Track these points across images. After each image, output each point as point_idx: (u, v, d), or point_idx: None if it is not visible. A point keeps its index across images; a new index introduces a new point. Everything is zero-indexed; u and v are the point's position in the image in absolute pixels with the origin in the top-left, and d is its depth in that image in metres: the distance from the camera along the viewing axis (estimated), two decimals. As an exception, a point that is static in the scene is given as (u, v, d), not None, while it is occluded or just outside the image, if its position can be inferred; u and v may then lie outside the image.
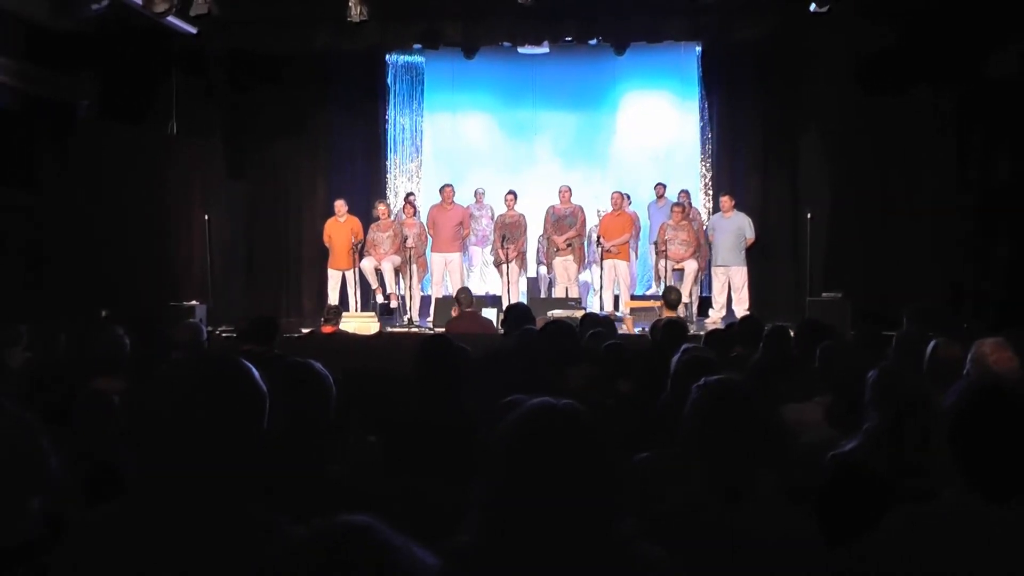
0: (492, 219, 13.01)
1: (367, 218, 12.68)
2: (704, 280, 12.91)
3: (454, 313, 9.72)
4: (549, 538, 1.78)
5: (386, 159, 14.34)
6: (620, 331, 9.13)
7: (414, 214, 12.78)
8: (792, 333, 6.16)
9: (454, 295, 12.10)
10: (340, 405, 2.93)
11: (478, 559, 1.77)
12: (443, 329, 9.44)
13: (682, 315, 11.19)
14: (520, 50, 13.22)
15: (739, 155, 13.59)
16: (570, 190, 12.69)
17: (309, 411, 2.72)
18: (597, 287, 12.70)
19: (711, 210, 13.40)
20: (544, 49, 13.23)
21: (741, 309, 11.82)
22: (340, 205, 12.63)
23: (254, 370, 2.03)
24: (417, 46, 12.94)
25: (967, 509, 2.23)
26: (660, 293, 10.69)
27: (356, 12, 10.49)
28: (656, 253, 12.22)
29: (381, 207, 12.55)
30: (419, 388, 4.02)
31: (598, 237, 12.41)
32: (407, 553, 1.18)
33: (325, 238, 12.65)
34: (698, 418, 2.50)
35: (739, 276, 12.21)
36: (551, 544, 1.78)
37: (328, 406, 2.79)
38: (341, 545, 1.18)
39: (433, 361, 4.06)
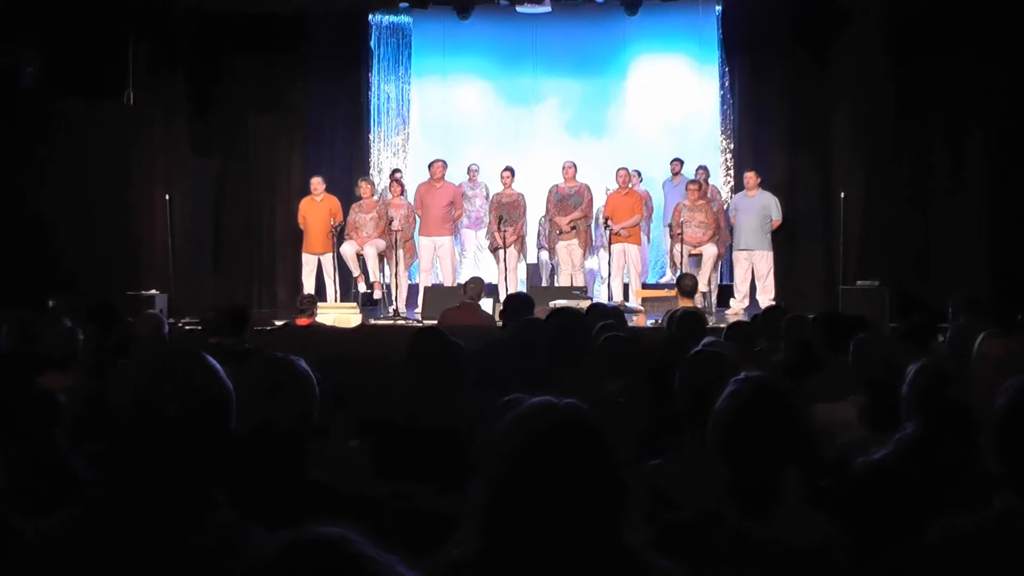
0: (487, 199, 12.96)
1: (348, 198, 12.63)
2: (724, 267, 12.91)
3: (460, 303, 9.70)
4: (550, 549, 1.78)
5: (369, 132, 14.31)
6: (630, 323, 9.12)
7: (401, 193, 12.69)
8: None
9: (446, 284, 12.14)
10: (321, 405, 2.94)
11: (473, 572, 1.77)
12: (434, 321, 9.43)
13: (701, 305, 11.20)
14: (519, 9, 13.13)
15: (764, 128, 13.53)
16: (575, 167, 12.59)
17: (288, 411, 2.72)
18: (605, 275, 12.69)
19: (732, 189, 13.39)
20: (546, 8, 13.15)
21: (766, 299, 11.77)
22: (316, 183, 12.54)
23: (218, 366, 2.03)
24: (404, 4, 12.88)
25: (1018, 519, 2.23)
26: (675, 281, 10.67)
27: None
28: (671, 237, 12.19)
29: (364, 185, 12.50)
30: (409, 386, 4.02)
31: (605, 219, 12.38)
32: (387, 569, 1.18)
33: (299, 219, 12.53)
34: (730, 419, 2.51)
35: (764, 262, 12.17)
36: (552, 556, 1.78)
37: (310, 406, 2.80)
38: (311, 559, 1.17)
39: (425, 357, 4.05)
